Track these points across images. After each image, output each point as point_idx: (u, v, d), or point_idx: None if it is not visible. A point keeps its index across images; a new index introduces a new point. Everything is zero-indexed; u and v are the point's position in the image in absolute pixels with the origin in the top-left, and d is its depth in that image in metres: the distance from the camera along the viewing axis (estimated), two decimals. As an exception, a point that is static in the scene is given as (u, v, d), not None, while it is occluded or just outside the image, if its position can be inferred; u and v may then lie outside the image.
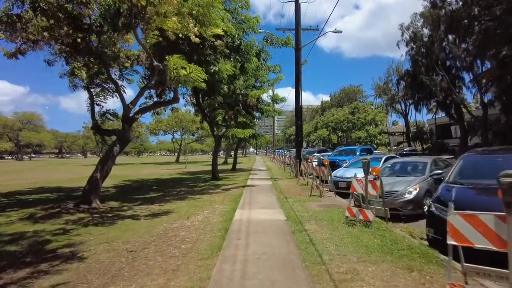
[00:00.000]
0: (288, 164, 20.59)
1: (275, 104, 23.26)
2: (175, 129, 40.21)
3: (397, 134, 71.93)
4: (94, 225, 6.83)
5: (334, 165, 13.64)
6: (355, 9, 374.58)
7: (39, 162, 60.97)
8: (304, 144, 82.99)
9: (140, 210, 8.48)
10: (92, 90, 12.33)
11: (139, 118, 10.61)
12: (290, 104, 71.29)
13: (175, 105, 17.25)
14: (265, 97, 22.39)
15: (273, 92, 23.09)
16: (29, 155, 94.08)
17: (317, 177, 9.82)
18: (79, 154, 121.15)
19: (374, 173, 5.69)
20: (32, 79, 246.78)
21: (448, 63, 41.74)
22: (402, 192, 6.97)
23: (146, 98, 15.96)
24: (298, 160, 14.98)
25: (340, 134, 59.57)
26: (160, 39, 9.37)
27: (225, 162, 37.78)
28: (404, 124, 61.95)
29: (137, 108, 11.06)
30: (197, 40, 8.15)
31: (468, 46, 36.40)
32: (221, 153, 61.94)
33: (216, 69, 10.08)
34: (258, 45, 11.55)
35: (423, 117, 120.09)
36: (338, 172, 10.84)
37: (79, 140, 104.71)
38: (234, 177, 17.72)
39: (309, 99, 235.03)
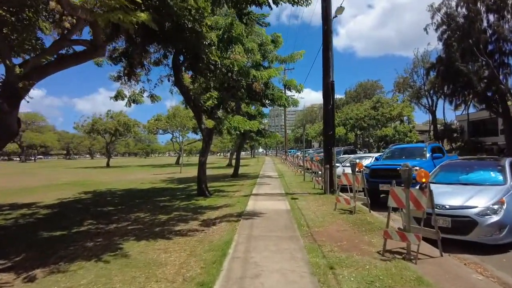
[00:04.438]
0: (309, 169, 15.15)
1: (288, 90, 17.71)
2: (173, 127, 35.15)
3: (417, 132, 65.11)
4: None
5: (388, 175, 8.23)
6: (368, 8, 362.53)
7: (35, 165, 57.35)
8: (316, 145, 75.98)
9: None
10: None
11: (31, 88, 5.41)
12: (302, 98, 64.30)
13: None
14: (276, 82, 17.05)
15: (284, 72, 17.60)
16: (34, 157, 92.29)
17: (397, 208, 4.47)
18: (87, 155, 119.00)
19: None
20: (47, 82, 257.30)
21: (490, 47, 35.40)
22: None
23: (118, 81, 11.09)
24: (328, 167, 9.59)
25: (358, 132, 53.64)
26: None
27: (229, 165, 32.52)
28: (430, 120, 55.57)
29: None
30: None
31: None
32: (228, 154, 56.79)
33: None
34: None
35: (444, 114, 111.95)
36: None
37: (85, 141, 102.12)
38: (231, 189, 12.40)
39: (322, 99, 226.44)
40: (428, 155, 8.83)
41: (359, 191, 7.16)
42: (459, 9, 37.28)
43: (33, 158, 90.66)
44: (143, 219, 7.41)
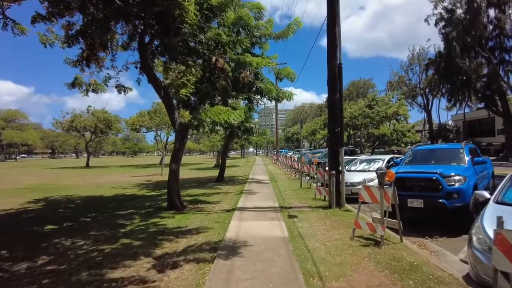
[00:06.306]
0: (305, 174, 13.02)
1: (279, 81, 15.48)
2: (156, 125, 32.54)
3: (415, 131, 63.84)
4: None
5: (418, 187, 6.11)
6: (360, 10, 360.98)
7: (14, 164, 54.53)
8: (307, 144, 73.82)
9: None
10: None
11: None
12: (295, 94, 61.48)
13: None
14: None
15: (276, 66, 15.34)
16: (15, 156, 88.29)
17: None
18: (73, 154, 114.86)
19: None
20: (36, 80, 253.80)
21: (490, 43, 33.89)
22: None
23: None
24: (335, 173, 7.44)
25: (351, 131, 51.91)
26: None
27: (217, 165, 30.17)
28: (425, 119, 54.29)
29: None
30: None
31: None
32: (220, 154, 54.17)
33: None
34: None
35: (439, 113, 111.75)
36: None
37: (71, 139, 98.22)
38: (212, 200, 10.08)
39: (313, 99, 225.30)
40: (467, 159, 6.69)
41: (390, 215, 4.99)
42: (461, 2, 35.49)
43: (14, 157, 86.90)
44: (77, 251, 5.12)
